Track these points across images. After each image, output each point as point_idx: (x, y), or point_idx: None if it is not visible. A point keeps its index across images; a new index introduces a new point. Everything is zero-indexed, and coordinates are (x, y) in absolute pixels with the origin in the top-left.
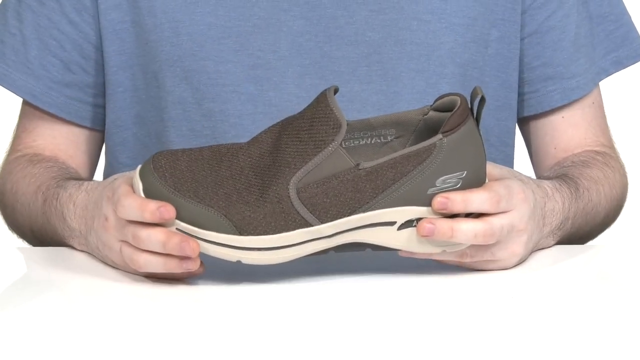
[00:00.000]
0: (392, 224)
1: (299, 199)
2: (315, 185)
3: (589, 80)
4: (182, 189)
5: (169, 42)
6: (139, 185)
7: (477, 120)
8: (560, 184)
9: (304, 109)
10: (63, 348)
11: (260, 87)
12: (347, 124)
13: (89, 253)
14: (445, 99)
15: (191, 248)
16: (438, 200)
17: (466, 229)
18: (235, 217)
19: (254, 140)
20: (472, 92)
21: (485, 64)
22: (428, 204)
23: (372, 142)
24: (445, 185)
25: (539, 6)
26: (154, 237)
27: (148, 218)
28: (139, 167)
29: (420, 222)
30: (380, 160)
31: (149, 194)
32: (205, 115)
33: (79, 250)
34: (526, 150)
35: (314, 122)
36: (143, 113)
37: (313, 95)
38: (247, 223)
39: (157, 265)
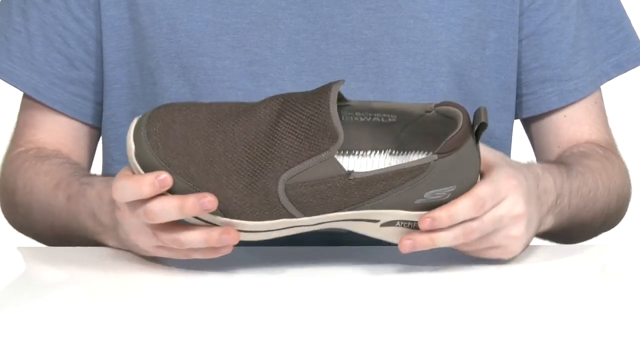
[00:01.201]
0: (375, 222)
1: (287, 195)
2: (303, 186)
3: (588, 82)
4: (173, 164)
5: (166, 38)
6: (132, 147)
7: (477, 139)
8: (549, 165)
9: (306, 96)
10: (63, 348)
11: (257, 84)
12: (349, 104)
13: (90, 253)
14: (450, 109)
15: (232, 238)
16: (426, 222)
17: (445, 235)
18: (222, 202)
19: (252, 112)
20: (475, 113)
21: (484, 65)
22: (413, 209)
23: (371, 120)
24: (433, 198)
25: (537, 8)
26: (167, 204)
27: (148, 192)
28: (134, 123)
29: (400, 240)
30: (372, 173)
31: (140, 160)
32: None
33: (112, 247)
34: (525, 151)
35: (312, 124)
36: (139, 110)
37: None
38: (232, 209)
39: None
